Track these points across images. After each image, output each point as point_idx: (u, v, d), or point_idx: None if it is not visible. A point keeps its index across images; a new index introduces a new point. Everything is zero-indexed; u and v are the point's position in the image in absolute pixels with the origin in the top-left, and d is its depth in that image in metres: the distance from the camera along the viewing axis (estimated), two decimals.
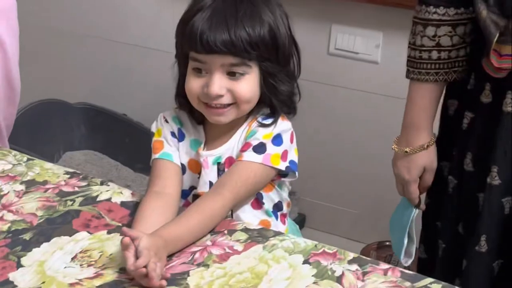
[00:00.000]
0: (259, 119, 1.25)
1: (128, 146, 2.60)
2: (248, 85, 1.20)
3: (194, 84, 1.21)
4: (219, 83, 1.18)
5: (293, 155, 1.25)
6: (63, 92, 2.63)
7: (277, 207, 1.31)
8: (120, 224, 1.20)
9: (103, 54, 2.61)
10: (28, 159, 1.40)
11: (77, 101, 2.62)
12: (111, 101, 2.62)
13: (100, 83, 2.68)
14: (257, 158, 1.21)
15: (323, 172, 2.34)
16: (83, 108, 2.63)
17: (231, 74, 1.19)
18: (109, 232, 1.18)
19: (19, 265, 1.10)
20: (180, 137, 1.28)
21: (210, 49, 1.16)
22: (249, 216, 1.26)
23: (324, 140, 2.29)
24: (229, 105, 1.21)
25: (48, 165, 1.39)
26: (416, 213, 1.44)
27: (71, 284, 1.05)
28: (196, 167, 1.27)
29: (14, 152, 1.44)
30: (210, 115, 1.23)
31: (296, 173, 1.26)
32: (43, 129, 2.51)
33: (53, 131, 2.57)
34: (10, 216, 1.22)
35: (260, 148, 1.21)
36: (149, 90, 2.56)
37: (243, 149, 1.22)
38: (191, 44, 1.18)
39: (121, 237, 1.15)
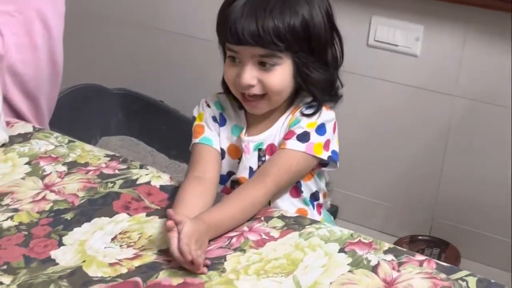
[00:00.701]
0: (302, 109, 1.24)
1: (164, 132, 2.60)
2: (279, 76, 1.20)
3: (230, 72, 1.23)
4: (250, 73, 1.19)
5: (335, 145, 1.25)
6: (101, 77, 2.66)
7: (314, 196, 1.31)
8: (159, 207, 1.22)
9: (142, 41, 2.63)
10: (69, 141, 1.43)
11: (115, 86, 2.64)
12: (148, 88, 2.63)
13: (139, 69, 2.70)
14: (301, 146, 1.21)
15: (358, 164, 2.33)
16: (121, 94, 2.64)
17: (262, 65, 1.19)
18: (148, 215, 1.20)
19: (60, 244, 1.12)
20: (222, 122, 1.30)
21: (239, 40, 1.16)
22: (287, 204, 1.27)
23: (360, 131, 2.28)
24: (261, 97, 1.21)
25: (89, 147, 1.42)
26: None
27: (111, 264, 1.07)
28: (236, 152, 1.29)
29: (56, 134, 1.46)
30: (245, 105, 1.25)
31: (337, 163, 1.26)
32: (81, 113, 2.53)
33: (90, 116, 2.59)
34: (52, 196, 1.24)
35: (304, 137, 1.21)
36: (187, 77, 2.57)
37: (286, 137, 1.23)
38: (224, 34, 1.20)
39: (159, 220, 1.17)
